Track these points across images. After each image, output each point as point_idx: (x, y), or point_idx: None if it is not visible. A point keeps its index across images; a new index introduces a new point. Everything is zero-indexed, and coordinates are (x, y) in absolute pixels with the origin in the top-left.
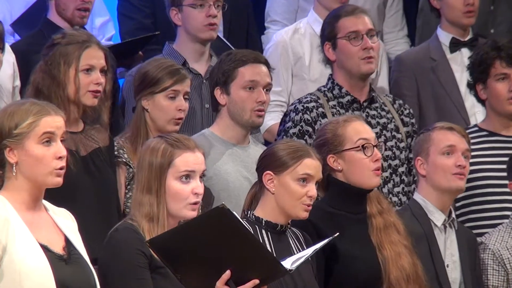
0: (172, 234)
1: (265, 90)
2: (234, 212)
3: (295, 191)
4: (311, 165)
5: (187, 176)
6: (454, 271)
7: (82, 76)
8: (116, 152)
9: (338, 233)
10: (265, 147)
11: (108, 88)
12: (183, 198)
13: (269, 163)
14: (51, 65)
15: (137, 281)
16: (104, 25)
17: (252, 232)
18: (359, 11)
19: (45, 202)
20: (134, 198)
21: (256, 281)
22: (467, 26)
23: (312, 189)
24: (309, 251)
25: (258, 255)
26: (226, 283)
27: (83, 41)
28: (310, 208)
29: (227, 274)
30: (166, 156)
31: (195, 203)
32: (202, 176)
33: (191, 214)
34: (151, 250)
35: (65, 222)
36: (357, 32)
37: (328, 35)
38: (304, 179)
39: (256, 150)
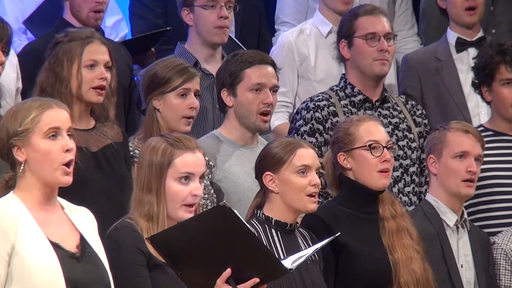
0: (173, 231)
1: (271, 91)
2: (235, 211)
3: (297, 183)
4: (306, 155)
5: (186, 177)
6: (468, 272)
7: (85, 72)
8: (131, 152)
9: (339, 233)
10: None
11: (113, 84)
12: (180, 199)
13: (265, 164)
14: (55, 63)
15: (135, 279)
16: (117, 24)
17: (255, 231)
18: (378, 12)
19: (61, 200)
20: (134, 197)
21: (256, 280)
22: (470, 25)
23: (314, 178)
24: (310, 250)
25: (259, 254)
26: (227, 281)
27: (86, 37)
28: (316, 199)
29: (227, 272)
30: (166, 155)
31: (191, 205)
32: (202, 177)
33: (186, 216)
34: (150, 248)
35: (82, 220)
36: (375, 33)
37: (345, 33)
38: (303, 171)
39: None
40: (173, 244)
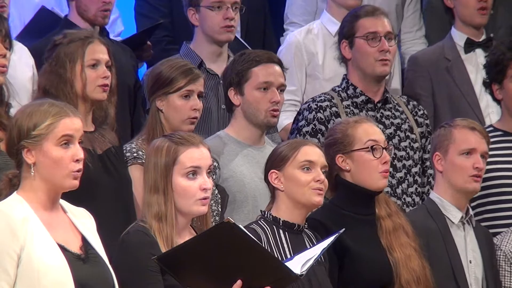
0: (179, 250)
1: (279, 90)
2: (240, 226)
3: (300, 179)
4: (310, 151)
5: (194, 172)
6: (477, 267)
7: (88, 72)
8: (135, 154)
9: (344, 229)
10: None
11: (113, 83)
12: (191, 194)
13: (271, 163)
14: (57, 65)
15: (148, 285)
16: (113, 22)
17: (263, 232)
18: (379, 13)
19: (62, 202)
20: (143, 199)
21: None
22: (480, 25)
23: (318, 174)
24: (318, 251)
25: (268, 264)
26: None
27: (86, 37)
28: (322, 192)
29: (238, 284)
30: (170, 154)
31: (204, 199)
32: (210, 172)
33: (201, 209)
34: (161, 252)
35: (82, 221)
36: (376, 33)
37: (346, 33)
38: (308, 167)
39: (271, 150)
40: (180, 261)
